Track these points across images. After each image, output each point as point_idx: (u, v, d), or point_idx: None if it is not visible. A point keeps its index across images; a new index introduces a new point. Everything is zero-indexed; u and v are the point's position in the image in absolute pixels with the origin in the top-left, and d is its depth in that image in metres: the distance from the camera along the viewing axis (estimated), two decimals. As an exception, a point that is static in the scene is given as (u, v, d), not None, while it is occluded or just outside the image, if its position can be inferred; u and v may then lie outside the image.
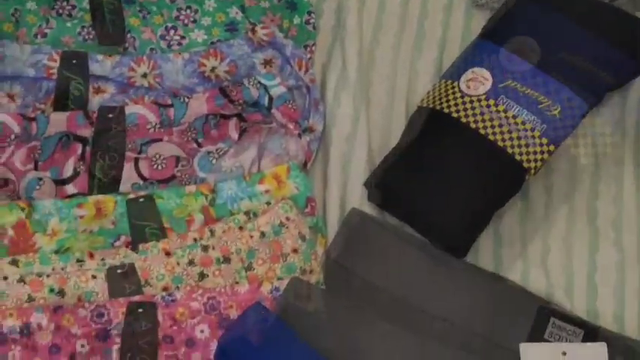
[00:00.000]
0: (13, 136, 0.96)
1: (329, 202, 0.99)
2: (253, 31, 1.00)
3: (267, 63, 1.01)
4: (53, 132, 0.97)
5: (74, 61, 0.99)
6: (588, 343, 0.88)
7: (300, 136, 0.99)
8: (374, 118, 1.03)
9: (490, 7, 1.06)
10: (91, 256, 0.90)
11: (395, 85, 1.05)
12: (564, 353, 0.87)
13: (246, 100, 0.98)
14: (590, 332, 0.89)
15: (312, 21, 1.05)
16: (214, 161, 0.99)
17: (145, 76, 1.00)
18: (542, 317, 0.89)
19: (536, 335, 0.89)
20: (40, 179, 0.96)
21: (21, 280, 0.88)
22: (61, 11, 1.04)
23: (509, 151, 0.93)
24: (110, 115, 0.97)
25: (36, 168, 0.97)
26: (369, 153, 1.01)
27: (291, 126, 0.99)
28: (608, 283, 0.96)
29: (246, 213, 0.94)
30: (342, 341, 0.85)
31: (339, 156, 1.00)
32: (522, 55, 0.97)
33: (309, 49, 1.04)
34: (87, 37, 1.03)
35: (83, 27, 1.03)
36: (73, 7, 1.04)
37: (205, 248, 0.91)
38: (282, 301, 0.86)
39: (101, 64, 1.00)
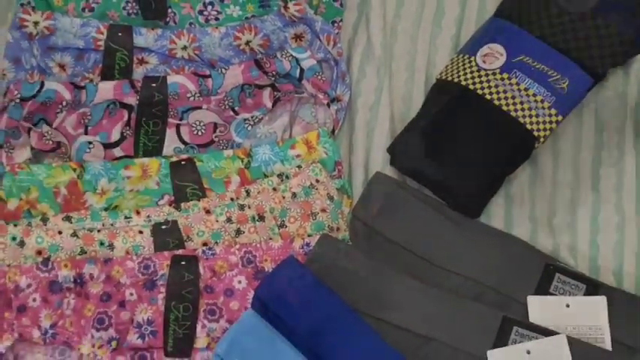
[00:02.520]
0: (64, 103, 0.96)
1: (354, 166, 0.98)
2: (285, 7, 0.99)
3: (297, 37, 1.00)
4: (101, 99, 0.97)
5: (120, 34, 0.98)
6: (590, 297, 0.88)
7: (328, 105, 0.99)
8: (396, 89, 1.02)
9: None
10: (138, 213, 0.91)
11: (415, 58, 1.03)
12: (568, 305, 0.87)
13: (279, 72, 0.97)
14: (592, 287, 0.88)
15: (340, -2, 1.03)
16: (250, 128, 0.99)
17: (184, 48, 0.99)
18: (549, 273, 0.89)
19: (543, 289, 0.88)
20: (90, 143, 0.97)
21: (74, 234, 0.89)
22: (107, -14, 1.02)
23: (521, 120, 0.92)
24: (153, 85, 0.96)
25: (86, 132, 0.97)
26: (391, 121, 1.00)
27: (320, 96, 0.98)
28: (608, 242, 0.95)
29: (279, 175, 0.94)
30: (367, 292, 0.86)
31: (364, 124, 1.00)
32: (533, 30, 0.96)
33: (336, 24, 1.03)
34: (131, 11, 1.02)
35: (127, 2, 1.02)
36: (118, -17, 1.02)
37: (242, 207, 0.91)
38: (313, 255, 0.87)
39: (144, 36, 0.99)
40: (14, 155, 0.95)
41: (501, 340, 0.84)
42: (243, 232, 0.91)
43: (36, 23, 0.98)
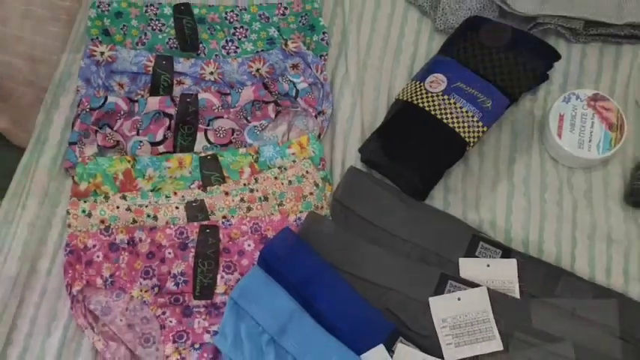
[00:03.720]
0: (122, 112, 1.00)
1: (334, 161, 1.01)
2: (286, 44, 1.03)
3: (294, 67, 1.03)
4: (149, 110, 1.00)
5: (164, 62, 1.02)
6: (504, 259, 0.90)
7: (316, 117, 1.02)
8: (366, 106, 1.05)
9: (446, 32, 1.08)
10: (175, 194, 0.95)
11: (380, 84, 1.07)
12: (488, 265, 0.90)
13: (280, 92, 1.01)
14: (506, 252, 0.91)
15: (325, 38, 1.07)
16: (258, 132, 1.01)
17: (211, 73, 1.03)
18: (475, 241, 0.92)
19: (470, 253, 0.91)
20: (141, 142, 1.00)
21: (128, 209, 0.93)
22: (155, 27, 1.06)
23: (457, 130, 0.95)
24: (188, 100, 0.99)
25: (138, 134, 1.00)
26: (362, 129, 1.03)
27: (310, 110, 1.02)
28: (518, 220, 0.98)
29: (279, 168, 0.97)
30: (343, 255, 0.89)
31: (342, 131, 1.03)
32: (466, 64, 0.99)
33: (323, 57, 1.07)
34: (172, 45, 1.06)
35: (170, 39, 1.06)
36: (163, 24, 1.06)
37: (251, 190, 0.95)
38: (303, 227, 0.90)
39: (182, 64, 1.03)
40: (85, 150, 0.98)
41: (439, 290, 0.87)
42: (252, 209, 0.94)
43: (102, 53, 1.02)
